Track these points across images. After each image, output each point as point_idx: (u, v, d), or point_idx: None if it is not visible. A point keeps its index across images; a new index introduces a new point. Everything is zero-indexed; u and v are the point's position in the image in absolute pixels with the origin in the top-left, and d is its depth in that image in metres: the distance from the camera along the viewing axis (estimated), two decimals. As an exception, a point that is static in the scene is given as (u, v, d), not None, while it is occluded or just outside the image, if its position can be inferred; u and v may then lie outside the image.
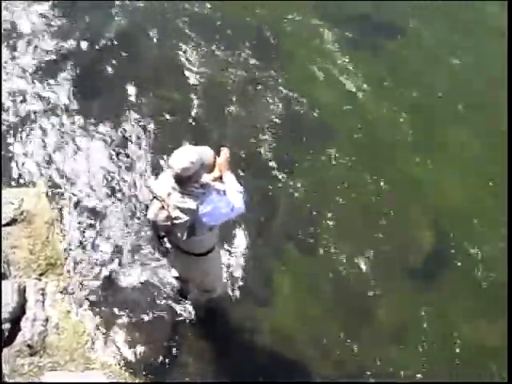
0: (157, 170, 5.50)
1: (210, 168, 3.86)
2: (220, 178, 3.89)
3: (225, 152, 3.89)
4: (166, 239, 4.04)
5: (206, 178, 3.80)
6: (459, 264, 5.27)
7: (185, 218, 3.67)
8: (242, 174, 5.52)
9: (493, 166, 5.92)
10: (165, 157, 5.52)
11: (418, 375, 4.68)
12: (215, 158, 3.88)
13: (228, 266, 5.05)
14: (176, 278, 4.78)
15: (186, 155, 3.57)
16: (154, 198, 3.76)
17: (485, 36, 7.07)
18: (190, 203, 3.64)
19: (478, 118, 6.31)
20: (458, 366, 4.72)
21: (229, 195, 3.79)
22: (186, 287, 4.80)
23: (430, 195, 5.69)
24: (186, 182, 3.62)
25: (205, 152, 3.80)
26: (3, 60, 6.46)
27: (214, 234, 4.00)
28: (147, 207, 3.84)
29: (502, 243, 5.35)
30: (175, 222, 3.70)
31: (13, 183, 5.47)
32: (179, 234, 3.78)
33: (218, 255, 4.31)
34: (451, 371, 4.70)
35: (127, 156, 5.78)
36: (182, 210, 3.66)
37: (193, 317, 4.78)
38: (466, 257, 5.32)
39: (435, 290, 5.11)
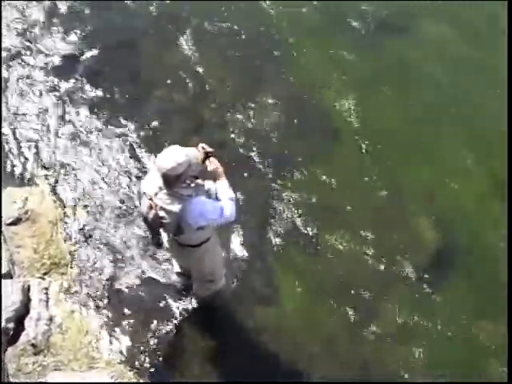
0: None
1: (203, 171, 3.86)
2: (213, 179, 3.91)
3: (210, 154, 3.87)
4: (161, 231, 4.04)
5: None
6: (460, 264, 5.31)
7: (170, 219, 3.69)
8: (243, 174, 5.60)
9: (493, 166, 5.94)
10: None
11: (419, 375, 4.70)
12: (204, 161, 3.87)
13: (229, 265, 5.05)
14: (178, 273, 4.83)
15: (173, 156, 3.56)
16: (144, 194, 3.79)
17: (485, 36, 7.08)
18: (174, 206, 3.64)
19: (478, 118, 6.33)
20: (458, 366, 4.75)
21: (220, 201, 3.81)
22: (189, 282, 4.79)
23: (431, 196, 5.70)
24: (173, 182, 3.61)
25: (192, 153, 3.78)
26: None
27: (208, 230, 4.00)
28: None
29: (502, 243, 5.38)
30: (163, 221, 3.73)
31: (17, 182, 5.47)
32: (169, 232, 3.85)
33: (214, 244, 4.27)
34: (451, 371, 4.72)
35: (129, 157, 5.79)
36: (167, 212, 3.67)
37: (196, 316, 4.80)
38: (466, 257, 5.35)
39: (436, 290, 5.13)
